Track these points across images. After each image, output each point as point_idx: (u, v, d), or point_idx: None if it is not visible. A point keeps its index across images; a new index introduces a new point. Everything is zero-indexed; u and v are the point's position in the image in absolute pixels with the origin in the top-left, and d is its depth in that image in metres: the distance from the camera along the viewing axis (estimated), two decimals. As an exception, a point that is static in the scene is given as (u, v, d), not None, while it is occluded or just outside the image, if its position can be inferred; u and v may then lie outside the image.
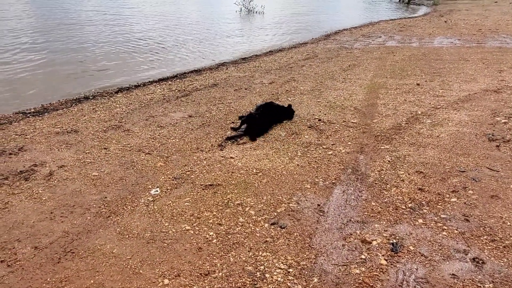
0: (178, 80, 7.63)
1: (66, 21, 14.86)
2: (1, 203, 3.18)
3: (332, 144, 4.25)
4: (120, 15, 17.26)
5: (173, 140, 4.47)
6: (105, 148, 4.24)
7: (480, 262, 2.38)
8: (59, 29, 13.04)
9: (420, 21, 17.31)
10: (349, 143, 4.27)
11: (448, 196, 3.15)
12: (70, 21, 14.85)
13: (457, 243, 2.57)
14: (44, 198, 3.24)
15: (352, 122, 4.89)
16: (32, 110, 5.78)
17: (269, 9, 21.08)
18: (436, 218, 2.85)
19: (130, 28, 14.18)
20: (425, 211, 2.95)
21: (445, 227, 2.74)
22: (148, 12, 19.67)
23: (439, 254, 2.47)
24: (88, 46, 10.81)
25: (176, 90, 6.72)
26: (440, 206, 3.00)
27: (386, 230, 2.72)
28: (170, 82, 7.45)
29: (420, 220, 2.83)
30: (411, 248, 2.53)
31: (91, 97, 6.45)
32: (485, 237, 2.62)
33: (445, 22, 16.29)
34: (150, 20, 16.61)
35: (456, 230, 2.71)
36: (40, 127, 4.91)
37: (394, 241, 2.60)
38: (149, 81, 7.59)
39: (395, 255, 2.46)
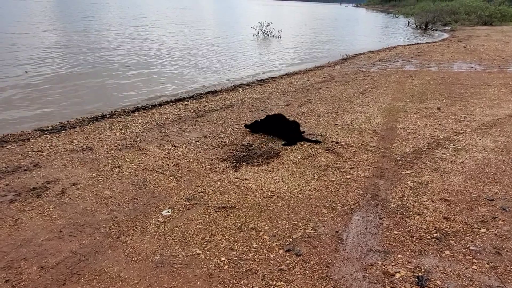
0: (194, 100, 7.66)
1: (86, 38, 15.39)
2: (12, 220, 3.13)
3: (350, 168, 4.09)
4: (142, 35, 17.78)
5: (187, 160, 4.40)
6: (118, 167, 4.20)
7: (516, 301, 2.17)
8: (80, 46, 13.48)
9: (438, 46, 17.21)
10: (368, 167, 4.11)
11: (476, 226, 2.94)
12: (91, 38, 15.39)
13: (489, 279, 2.35)
14: (54, 216, 3.18)
15: (370, 146, 4.74)
16: (50, 127, 5.85)
17: (286, 34, 21.39)
18: (464, 250, 2.64)
19: (150, 48, 14.53)
20: (452, 242, 2.75)
21: (475, 261, 2.53)
22: (168, 33, 20.19)
23: (470, 290, 2.26)
24: (108, 66, 11.09)
25: (192, 110, 6.73)
26: (468, 237, 2.80)
27: (410, 262, 2.53)
28: (186, 102, 7.49)
29: (447, 252, 2.63)
30: (438, 282, 2.33)
31: (108, 116, 6.50)
32: (520, 273, 2.40)
33: (464, 47, 16.13)
34: (169, 41, 17.02)
35: (488, 264, 2.50)
36: (56, 144, 4.93)
37: (420, 274, 2.40)
38: (166, 101, 7.64)
39: (421, 290, 2.27)
